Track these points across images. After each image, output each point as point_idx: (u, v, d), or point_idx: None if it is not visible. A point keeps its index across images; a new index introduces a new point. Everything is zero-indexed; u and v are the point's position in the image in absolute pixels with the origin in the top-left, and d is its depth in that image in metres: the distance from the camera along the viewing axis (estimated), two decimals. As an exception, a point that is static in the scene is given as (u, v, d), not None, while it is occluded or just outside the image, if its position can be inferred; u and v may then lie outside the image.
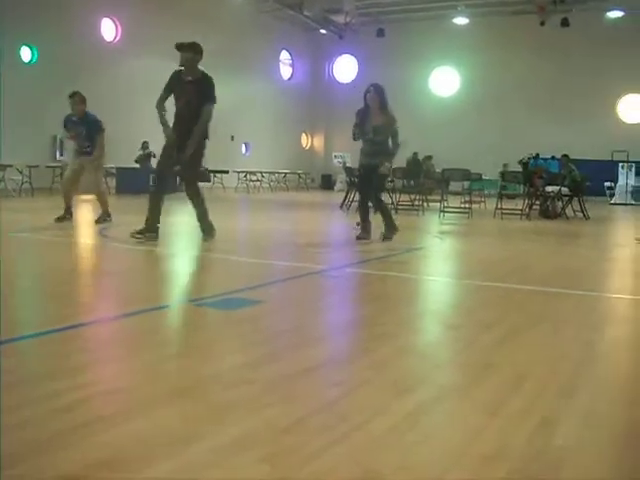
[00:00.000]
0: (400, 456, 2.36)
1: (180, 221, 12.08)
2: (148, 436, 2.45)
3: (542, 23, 31.45)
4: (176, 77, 8.54)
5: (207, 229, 8.69)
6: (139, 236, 8.22)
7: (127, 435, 2.46)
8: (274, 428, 2.54)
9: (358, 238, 9.39)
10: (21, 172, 19.78)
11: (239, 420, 2.62)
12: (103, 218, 11.00)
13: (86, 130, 11.01)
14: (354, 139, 9.54)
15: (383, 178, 9.74)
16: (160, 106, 8.42)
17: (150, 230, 8.34)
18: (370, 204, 9.53)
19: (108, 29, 26.76)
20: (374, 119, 9.28)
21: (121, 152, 22.73)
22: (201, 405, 2.84)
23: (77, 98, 11.12)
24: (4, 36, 21.93)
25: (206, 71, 8.67)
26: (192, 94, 8.33)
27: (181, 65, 8.52)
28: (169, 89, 8.48)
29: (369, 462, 2.29)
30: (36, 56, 23.68)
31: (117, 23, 26.85)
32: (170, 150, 8.47)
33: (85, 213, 11.19)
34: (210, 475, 2.19)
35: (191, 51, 8.49)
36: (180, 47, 8.48)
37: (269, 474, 2.19)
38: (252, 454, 2.32)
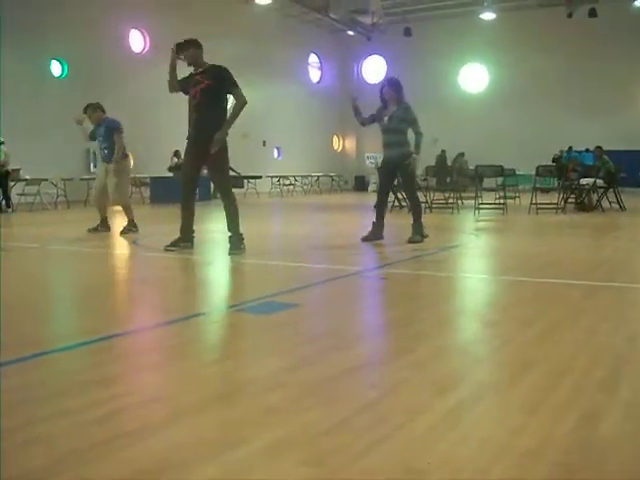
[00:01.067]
0: (442, 454, 2.36)
1: (215, 228, 12.11)
2: (188, 443, 2.47)
3: (569, 15, 31.15)
4: (188, 77, 8.57)
5: (235, 242, 8.39)
6: (173, 248, 8.23)
7: (166, 443, 2.47)
8: (315, 430, 2.55)
9: (364, 240, 9.24)
10: (56, 185, 19.98)
11: (280, 424, 2.63)
12: (128, 228, 10.95)
13: (104, 132, 11.07)
14: (362, 124, 9.65)
15: (411, 174, 9.57)
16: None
17: (185, 239, 8.37)
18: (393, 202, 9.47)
19: (136, 40, 26.96)
20: (390, 109, 9.25)
21: (154, 162, 22.95)
22: (241, 410, 2.85)
23: (90, 109, 11.23)
24: (35, 51, 22.20)
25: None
26: (206, 80, 8.29)
27: (189, 64, 8.53)
28: (183, 85, 8.52)
29: (411, 461, 2.29)
30: (66, 70, 23.93)
31: (145, 34, 27.05)
32: (192, 152, 8.42)
33: (122, 223, 11.24)
34: (253, 479, 2.20)
35: (191, 46, 8.50)
36: (181, 47, 8.49)
37: (311, 477, 2.19)
38: (294, 457, 2.33)
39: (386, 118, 9.28)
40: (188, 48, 8.52)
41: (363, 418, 2.70)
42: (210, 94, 8.29)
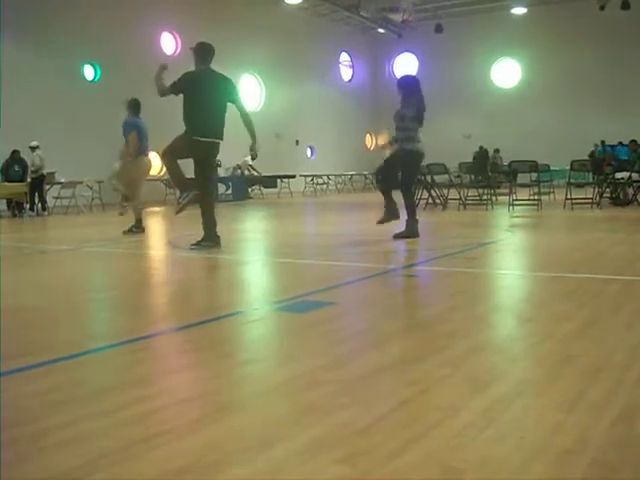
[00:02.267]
0: (479, 453, 2.34)
1: (248, 227, 12.18)
2: (224, 442, 2.47)
3: (602, 7, 30.86)
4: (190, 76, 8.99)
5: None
6: (195, 246, 8.25)
7: (202, 442, 2.48)
8: (351, 429, 2.54)
9: (379, 222, 9.32)
10: (91, 188, 20.17)
11: (316, 422, 2.63)
12: (132, 228, 10.94)
13: (123, 131, 11.15)
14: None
15: (411, 162, 9.60)
16: None
17: (208, 239, 8.38)
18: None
19: (168, 43, 27.12)
20: (401, 109, 9.43)
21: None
22: (277, 409, 2.86)
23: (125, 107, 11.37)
24: (68, 56, 22.43)
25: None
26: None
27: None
28: (173, 89, 9.06)
29: (448, 460, 2.28)
30: (99, 74, 24.15)
31: (176, 36, 27.20)
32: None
33: (156, 224, 11.31)
34: (289, 477, 2.20)
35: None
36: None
37: (348, 475, 2.19)
38: (330, 456, 2.32)
39: (398, 118, 9.80)
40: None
41: (398, 416, 2.68)
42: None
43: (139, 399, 2.96)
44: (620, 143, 26.10)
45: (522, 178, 18.73)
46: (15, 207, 19.47)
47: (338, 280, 6.38)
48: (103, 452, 2.41)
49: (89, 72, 24.09)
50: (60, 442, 2.52)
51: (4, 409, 2.95)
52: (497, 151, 29.69)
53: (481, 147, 28.97)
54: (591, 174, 17.68)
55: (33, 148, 19.29)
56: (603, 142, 26.57)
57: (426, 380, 3.15)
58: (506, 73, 36.68)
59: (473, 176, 19.16)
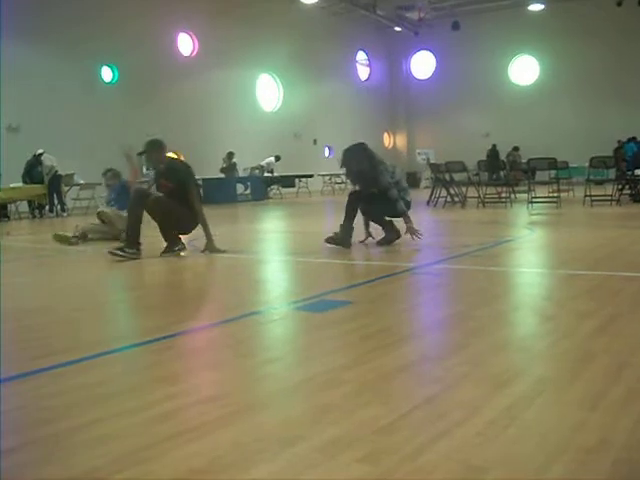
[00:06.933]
0: (501, 451, 2.33)
1: (267, 227, 12.19)
2: (246, 441, 2.48)
3: (619, 3, 30.64)
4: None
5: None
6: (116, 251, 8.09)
7: (224, 441, 2.48)
8: (372, 427, 2.54)
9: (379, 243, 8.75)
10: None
11: (337, 421, 2.63)
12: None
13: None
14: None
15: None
16: None
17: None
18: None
19: (185, 44, 27.19)
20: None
21: (205, 163, 23.16)
22: (298, 408, 2.86)
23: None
24: (85, 58, 22.55)
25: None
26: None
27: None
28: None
29: (470, 458, 2.27)
30: (117, 76, 24.27)
31: (193, 37, 27.28)
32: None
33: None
34: (310, 476, 2.20)
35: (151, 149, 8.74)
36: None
37: (369, 474, 2.19)
38: (351, 454, 2.32)
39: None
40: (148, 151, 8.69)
41: (420, 414, 2.68)
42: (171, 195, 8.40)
43: (164, 398, 2.98)
44: (630, 139, 25.96)
45: (541, 175, 18.66)
46: (36, 208, 19.63)
47: (357, 279, 6.38)
48: (128, 451, 2.43)
49: (107, 74, 24.18)
50: (85, 441, 2.54)
51: (29, 409, 2.98)
52: (516, 149, 29.57)
53: (494, 145, 28.88)
54: (613, 171, 17.56)
55: (40, 155, 19.42)
56: (634, 138, 26.23)
57: (447, 378, 3.15)
58: (524, 70, 36.54)
59: (489, 174, 19.11)
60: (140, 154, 8.93)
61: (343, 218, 8.49)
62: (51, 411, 2.91)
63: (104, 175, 11.29)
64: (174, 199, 8.27)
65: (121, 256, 7.91)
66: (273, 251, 9.67)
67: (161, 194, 8.42)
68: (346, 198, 8.82)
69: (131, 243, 8.02)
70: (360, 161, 8.64)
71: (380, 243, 8.60)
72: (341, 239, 8.32)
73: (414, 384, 3.16)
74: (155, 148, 8.67)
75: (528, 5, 33.77)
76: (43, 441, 2.57)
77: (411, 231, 8.38)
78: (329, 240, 8.33)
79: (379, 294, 5.70)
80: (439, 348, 3.83)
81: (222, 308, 5.34)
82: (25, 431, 2.71)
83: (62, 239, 10.25)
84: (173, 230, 8.41)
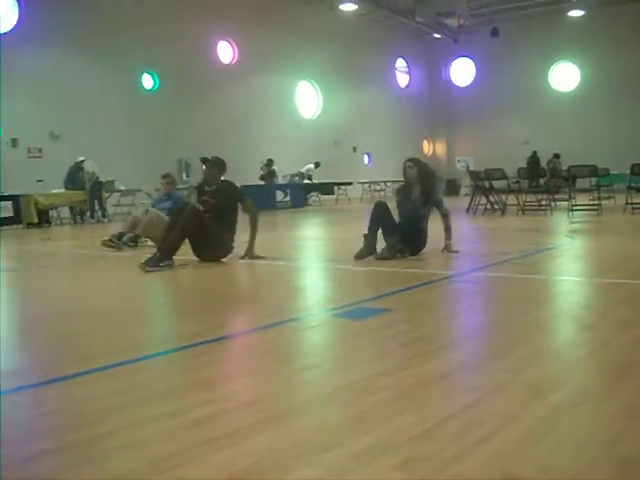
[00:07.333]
0: (539, 460, 2.31)
1: (306, 234, 12.21)
2: (282, 447, 2.49)
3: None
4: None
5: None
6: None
7: (260, 447, 2.50)
8: (409, 435, 2.54)
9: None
10: (150, 196, 20.40)
11: (373, 428, 2.63)
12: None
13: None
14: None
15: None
16: None
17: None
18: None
19: (225, 51, 27.35)
20: (415, 190, 8.60)
21: (244, 170, 23.29)
22: (335, 414, 2.87)
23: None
24: (126, 65, 22.79)
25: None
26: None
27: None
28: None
29: (507, 467, 2.26)
30: (157, 83, 24.49)
31: (233, 44, 27.43)
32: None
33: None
34: (346, 483, 2.21)
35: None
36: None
37: (405, 481, 2.19)
38: (387, 461, 2.32)
39: (411, 204, 8.53)
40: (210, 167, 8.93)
41: (457, 422, 2.67)
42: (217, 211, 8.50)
43: (200, 403, 3.00)
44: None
45: (581, 183, 18.47)
46: (78, 214, 19.86)
47: (396, 286, 6.36)
48: (163, 455, 2.45)
49: (148, 81, 24.41)
50: (121, 444, 2.57)
51: (67, 412, 3.02)
52: (557, 156, 29.32)
53: (534, 152, 28.64)
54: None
55: (81, 162, 19.64)
56: None
57: (486, 386, 3.14)
58: (564, 76, 36.23)
59: (530, 181, 18.96)
60: (203, 160, 9.12)
61: (367, 230, 8.33)
62: (89, 414, 2.95)
63: (163, 178, 11.38)
64: (215, 217, 8.36)
65: (157, 269, 7.84)
66: (312, 258, 9.69)
67: (201, 207, 8.48)
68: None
69: (168, 255, 8.01)
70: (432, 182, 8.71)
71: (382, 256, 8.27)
72: (367, 249, 8.19)
73: (452, 392, 3.15)
74: (218, 166, 8.92)
75: (568, 11, 33.48)
76: (80, 444, 2.61)
77: (449, 248, 8.34)
78: (358, 256, 8.15)
79: (418, 302, 5.69)
80: (477, 356, 3.81)
81: (260, 314, 5.36)
82: (62, 434, 2.75)
83: (113, 244, 10.30)
84: (209, 251, 8.47)
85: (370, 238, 8.17)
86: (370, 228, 8.26)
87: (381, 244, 8.14)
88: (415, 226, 8.23)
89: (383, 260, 7.83)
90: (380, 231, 8.27)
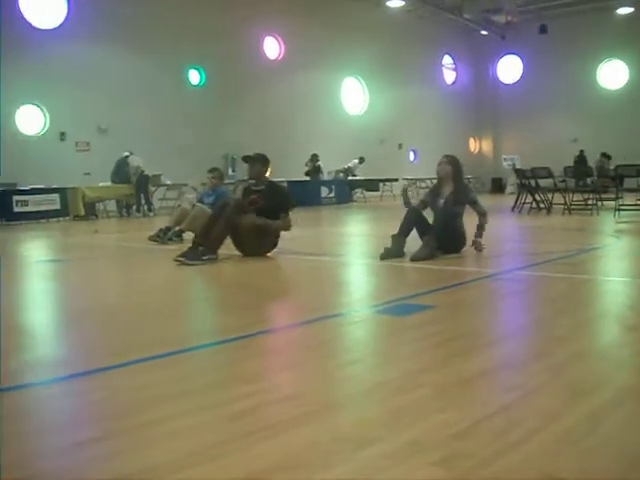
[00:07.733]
0: (578, 461, 2.31)
1: (350, 230, 12.22)
2: (321, 441, 2.52)
3: None
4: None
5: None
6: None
7: (300, 440, 2.53)
8: (447, 432, 2.55)
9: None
10: (196, 190, 20.54)
11: (412, 425, 2.65)
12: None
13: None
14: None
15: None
16: None
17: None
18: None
19: (271, 47, 27.40)
20: (445, 190, 8.50)
21: (290, 165, 23.33)
22: (375, 410, 2.89)
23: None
24: (173, 60, 22.96)
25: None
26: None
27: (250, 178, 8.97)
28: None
29: (546, 467, 2.26)
30: (204, 78, 24.61)
31: (280, 41, 27.47)
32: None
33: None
34: (385, 478, 2.22)
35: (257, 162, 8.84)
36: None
37: (443, 477, 2.20)
38: (425, 458, 2.33)
39: (442, 201, 8.38)
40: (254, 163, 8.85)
41: (496, 421, 2.68)
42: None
43: (242, 395, 3.04)
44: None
45: (629, 183, 18.23)
46: (124, 207, 20.08)
47: (438, 284, 6.35)
48: (203, 446, 2.49)
49: (194, 76, 24.54)
50: (162, 434, 2.62)
51: (110, 402, 3.08)
52: (607, 156, 28.97)
53: (581, 151, 28.31)
54: None
55: (127, 156, 19.82)
56: None
57: (527, 385, 3.14)
58: (613, 74, 35.74)
59: (577, 181, 18.73)
60: (245, 159, 9.10)
61: (398, 231, 8.25)
62: (131, 404, 3.01)
63: (210, 172, 11.42)
64: (260, 213, 8.40)
65: (199, 262, 7.84)
66: (356, 254, 9.70)
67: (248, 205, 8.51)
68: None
69: (212, 249, 8.02)
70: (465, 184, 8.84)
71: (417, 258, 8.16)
72: (395, 251, 8.12)
73: (492, 390, 3.15)
74: (263, 162, 8.92)
75: (617, 8, 33.02)
76: (122, 432, 2.66)
77: (477, 245, 8.25)
78: (383, 257, 8.08)
79: (460, 299, 5.68)
80: (519, 355, 3.81)
81: (304, 309, 5.39)
82: (107, 422, 2.81)
83: (158, 239, 10.39)
84: (253, 246, 8.48)
85: (398, 239, 8.09)
86: (401, 228, 8.18)
87: (410, 246, 8.00)
88: (448, 224, 8.17)
89: (418, 261, 7.70)
90: (415, 232, 8.20)
